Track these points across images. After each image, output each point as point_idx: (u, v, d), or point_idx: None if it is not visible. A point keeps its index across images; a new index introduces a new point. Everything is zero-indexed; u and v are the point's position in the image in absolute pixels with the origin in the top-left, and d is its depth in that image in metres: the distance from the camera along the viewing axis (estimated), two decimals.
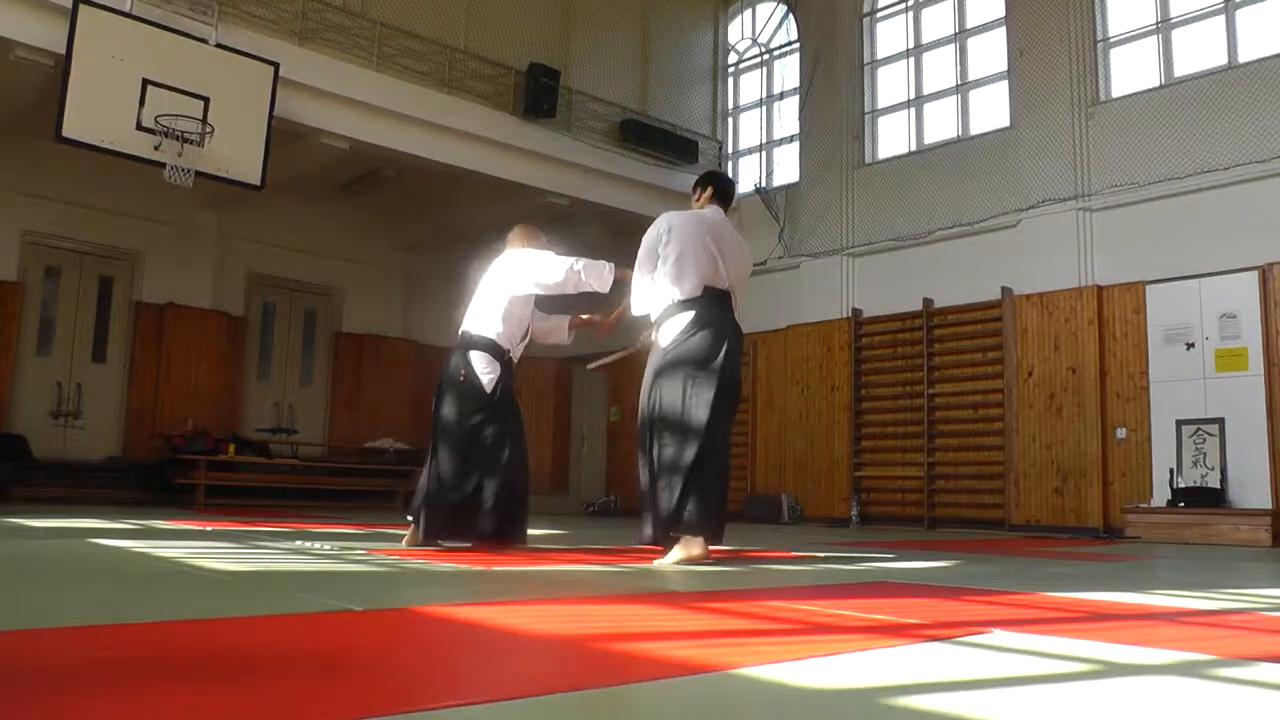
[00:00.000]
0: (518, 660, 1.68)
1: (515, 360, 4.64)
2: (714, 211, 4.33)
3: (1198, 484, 8.09)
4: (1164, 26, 9.19)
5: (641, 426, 4.10)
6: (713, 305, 4.12)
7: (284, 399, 12.08)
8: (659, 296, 4.12)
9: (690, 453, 3.92)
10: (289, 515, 7.83)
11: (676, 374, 4.02)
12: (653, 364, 4.14)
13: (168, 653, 1.68)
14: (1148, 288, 8.74)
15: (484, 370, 4.46)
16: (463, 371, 4.48)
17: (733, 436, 4.35)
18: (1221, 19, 8.81)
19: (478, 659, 1.68)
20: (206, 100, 8.09)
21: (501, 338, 4.50)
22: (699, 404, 3.98)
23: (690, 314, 4.06)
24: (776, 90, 12.87)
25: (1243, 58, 8.62)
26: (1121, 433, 8.81)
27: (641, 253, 4.19)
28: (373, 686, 1.38)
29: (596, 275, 4.31)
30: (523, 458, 4.50)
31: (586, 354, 13.91)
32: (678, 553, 3.88)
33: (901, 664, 1.71)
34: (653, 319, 4.20)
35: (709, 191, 4.43)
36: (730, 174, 13.07)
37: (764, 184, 12.31)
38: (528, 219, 13.46)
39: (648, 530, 4.03)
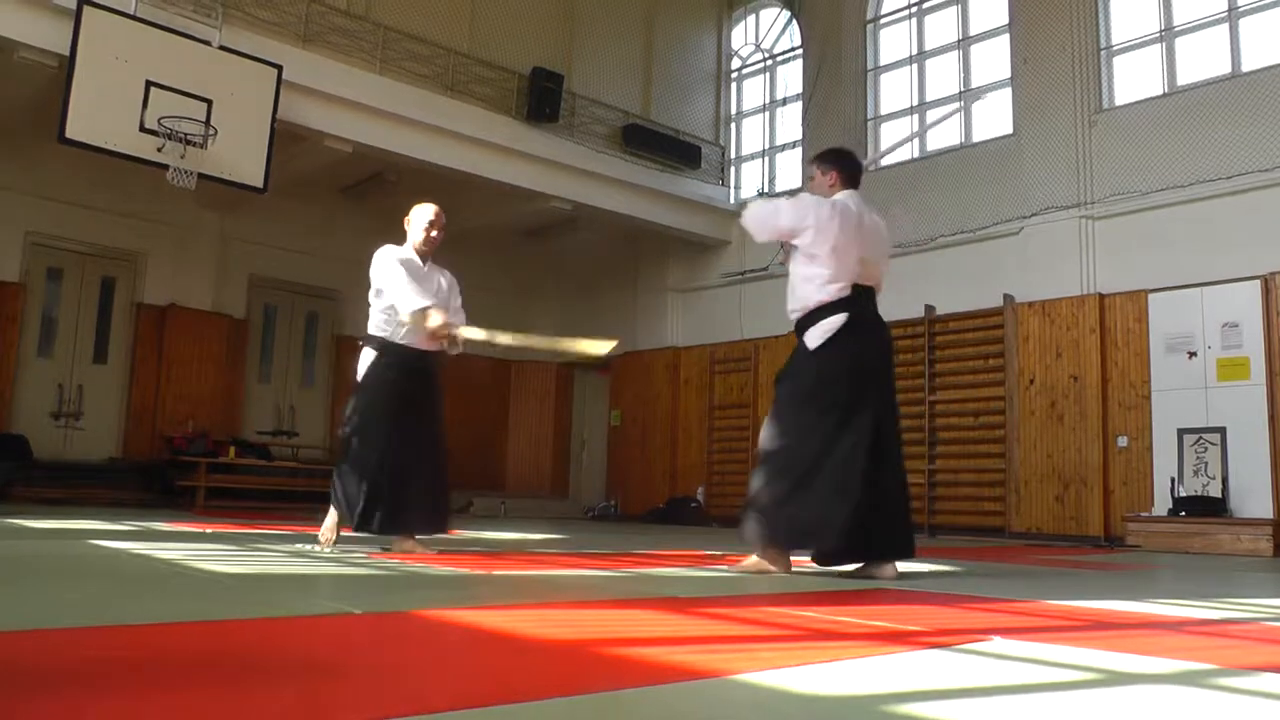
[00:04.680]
0: (518, 664, 1.68)
1: (412, 342, 4.75)
2: (856, 201, 3.99)
3: (1199, 493, 8.08)
4: (1167, 35, 9.20)
5: (804, 437, 3.73)
6: (863, 304, 3.88)
7: (285, 401, 12.08)
8: (804, 294, 3.85)
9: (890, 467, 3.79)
10: (289, 518, 7.83)
11: (848, 382, 3.75)
12: (808, 372, 3.81)
13: (167, 654, 1.68)
14: (1150, 296, 8.74)
15: (361, 365, 4.89)
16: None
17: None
18: (1225, 28, 8.82)
19: (478, 663, 1.68)
20: (210, 102, 8.10)
21: (376, 327, 4.85)
22: (884, 422, 3.79)
23: (842, 317, 3.78)
24: (779, 96, 12.89)
25: (1246, 67, 8.62)
26: (1123, 441, 8.80)
27: (792, 208, 3.91)
28: (373, 690, 1.37)
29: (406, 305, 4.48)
30: (354, 445, 4.66)
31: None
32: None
33: (901, 671, 1.70)
34: (791, 316, 3.93)
35: (839, 175, 4.07)
36: (731, 180, 13.08)
37: (766, 189, 12.31)
38: (529, 223, 13.36)
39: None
